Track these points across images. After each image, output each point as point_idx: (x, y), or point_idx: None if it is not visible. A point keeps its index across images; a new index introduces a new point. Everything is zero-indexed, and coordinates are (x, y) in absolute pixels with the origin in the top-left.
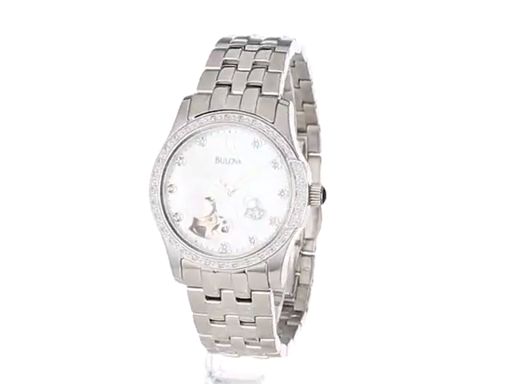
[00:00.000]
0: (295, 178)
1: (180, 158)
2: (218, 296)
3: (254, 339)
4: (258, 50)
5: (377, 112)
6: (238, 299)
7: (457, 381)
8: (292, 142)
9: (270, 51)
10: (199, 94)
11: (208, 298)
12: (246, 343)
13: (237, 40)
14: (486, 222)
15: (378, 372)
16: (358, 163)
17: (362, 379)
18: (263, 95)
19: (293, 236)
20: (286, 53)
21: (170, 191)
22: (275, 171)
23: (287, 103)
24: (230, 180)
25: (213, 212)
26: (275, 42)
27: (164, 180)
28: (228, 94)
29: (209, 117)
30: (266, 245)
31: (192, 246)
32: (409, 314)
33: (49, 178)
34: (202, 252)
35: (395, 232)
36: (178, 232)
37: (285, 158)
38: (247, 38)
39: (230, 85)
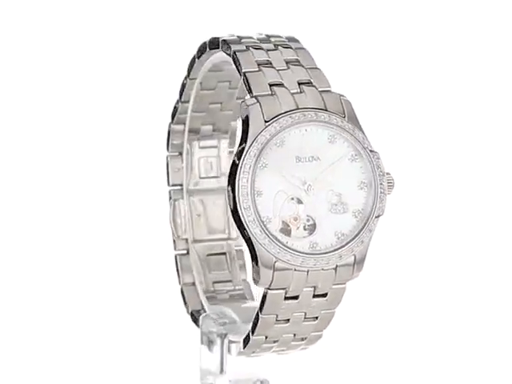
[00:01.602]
0: (377, 168)
1: (263, 161)
2: (298, 295)
3: (305, 334)
4: (277, 49)
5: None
6: (315, 295)
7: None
8: (365, 133)
9: (290, 49)
10: (260, 96)
11: (287, 298)
12: (293, 340)
13: (245, 40)
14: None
15: (378, 373)
16: None
17: (363, 380)
18: (323, 91)
19: (376, 226)
20: (305, 48)
21: (258, 196)
22: (353, 164)
23: (346, 97)
24: (312, 178)
25: (298, 211)
26: (284, 39)
27: (253, 185)
28: (290, 93)
29: (287, 117)
30: (355, 238)
31: (287, 247)
32: (410, 316)
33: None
34: (296, 251)
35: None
36: (274, 235)
37: (364, 149)
38: (251, 37)
39: (282, 84)
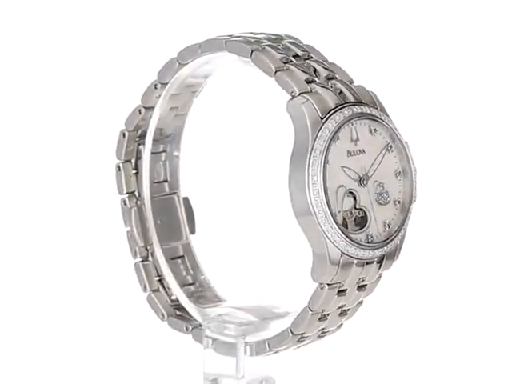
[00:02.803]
0: (410, 156)
1: (326, 158)
2: (347, 288)
3: (332, 327)
4: (288, 46)
5: None
6: (358, 288)
7: None
8: None
9: (299, 46)
10: (305, 93)
11: (339, 292)
12: (320, 335)
13: (254, 40)
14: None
15: (380, 371)
16: None
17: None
18: (350, 85)
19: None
20: (310, 45)
21: (327, 192)
22: (389, 154)
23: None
24: (362, 171)
25: (354, 205)
26: (284, 37)
27: (323, 182)
28: (328, 88)
29: (338, 113)
30: (400, 226)
31: (352, 241)
32: (414, 316)
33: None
34: (359, 244)
35: None
36: (342, 230)
37: (398, 139)
38: (256, 37)
39: (315, 80)
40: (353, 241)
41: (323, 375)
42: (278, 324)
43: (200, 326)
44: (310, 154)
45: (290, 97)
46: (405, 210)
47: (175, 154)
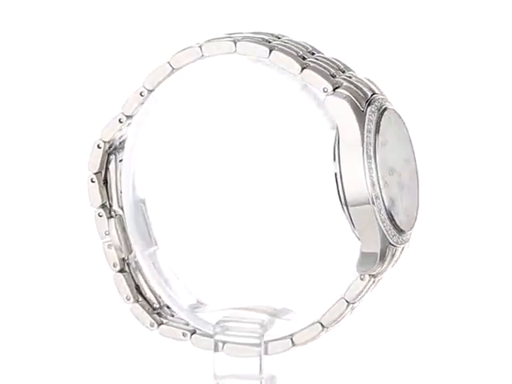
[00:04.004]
0: (412, 143)
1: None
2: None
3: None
4: (292, 44)
5: None
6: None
7: None
8: None
9: (300, 43)
10: (339, 88)
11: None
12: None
13: (262, 40)
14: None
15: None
16: None
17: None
18: (358, 76)
19: None
20: (306, 42)
21: (379, 185)
22: (401, 142)
23: None
24: (391, 160)
25: (389, 194)
26: (280, 35)
27: (377, 175)
28: (351, 81)
29: (373, 105)
30: (417, 212)
31: (397, 229)
32: (412, 315)
33: None
34: (399, 232)
35: None
36: (394, 220)
37: (404, 126)
38: (260, 37)
39: (335, 75)
40: (397, 229)
41: (324, 374)
42: (285, 321)
43: (195, 331)
44: (363, 147)
45: (323, 93)
46: (416, 196)
47: (135, 159)
